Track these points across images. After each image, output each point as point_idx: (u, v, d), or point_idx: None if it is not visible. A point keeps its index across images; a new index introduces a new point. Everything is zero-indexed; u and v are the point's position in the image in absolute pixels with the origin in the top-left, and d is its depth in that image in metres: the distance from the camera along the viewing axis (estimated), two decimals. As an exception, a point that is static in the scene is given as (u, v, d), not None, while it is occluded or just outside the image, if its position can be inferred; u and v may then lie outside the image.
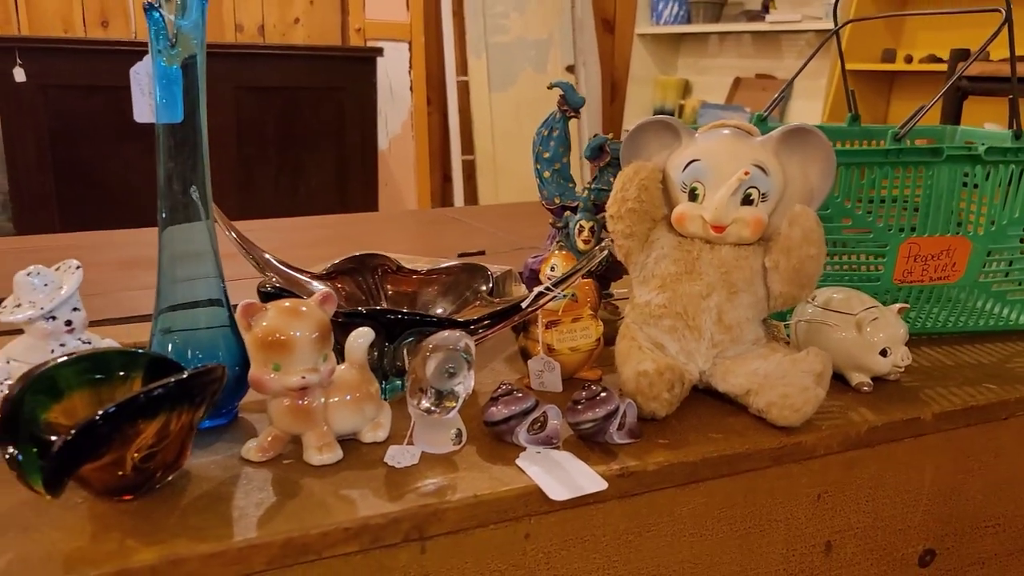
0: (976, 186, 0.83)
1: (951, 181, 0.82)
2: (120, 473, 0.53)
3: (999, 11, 0.79)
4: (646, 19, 4.11)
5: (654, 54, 4.16)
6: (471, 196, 3.92)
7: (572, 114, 0.88)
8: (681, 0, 3.97)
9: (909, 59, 2.96)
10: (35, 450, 0.50)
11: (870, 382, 0.75)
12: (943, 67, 2.60)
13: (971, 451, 0.76)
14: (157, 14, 0.59)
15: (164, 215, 0.63)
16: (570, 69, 4.00)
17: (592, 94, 4.10)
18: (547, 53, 3.95)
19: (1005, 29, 0.79)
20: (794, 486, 0.69)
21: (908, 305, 0.77)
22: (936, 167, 0.81)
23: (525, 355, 0.76)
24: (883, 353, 0.74)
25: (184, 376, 0.53)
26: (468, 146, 3.89)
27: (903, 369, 0.76)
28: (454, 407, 0.61)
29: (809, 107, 3.35)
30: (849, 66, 3.03)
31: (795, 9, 3.53)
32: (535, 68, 3.90)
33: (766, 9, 3.63)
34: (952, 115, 2.10)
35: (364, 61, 3.35)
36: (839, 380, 0.76)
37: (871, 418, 0.70)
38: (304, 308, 0.59)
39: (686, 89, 4.11)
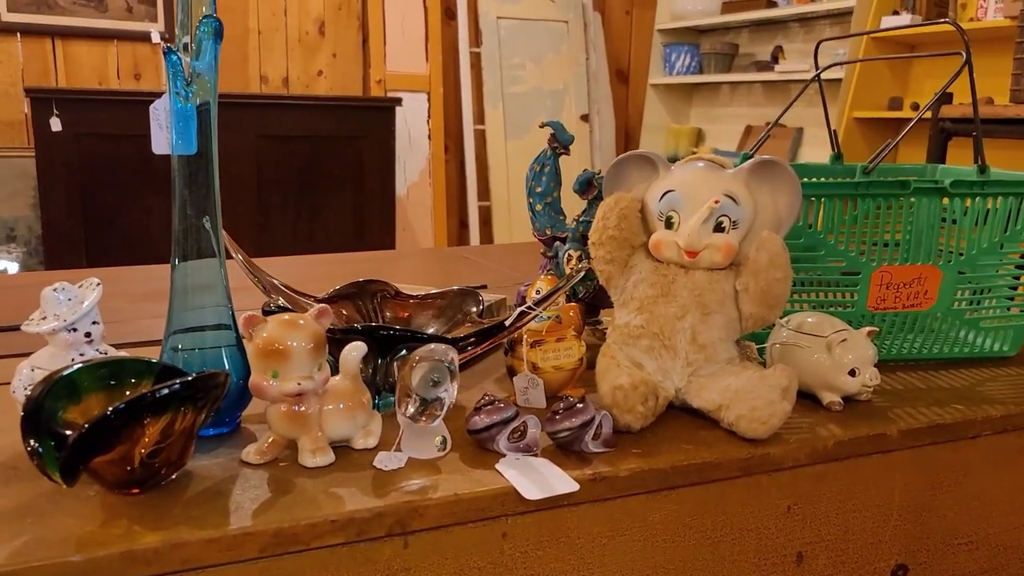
0: (944, 219, 0.88)
1: (919, 213, 0.86)
2: (129, 468, 0.58)
3: (960, 54, 0.84)
4: (659, 70, 4.21)
5: (667, 103, 4.25)
6: (487, 241, 4.00)
7: (562, 151, 0.93)
8: (693, 52, 4.07)
9: (915, 106, 3.02)
10: (53, 444, 0.56)
11: (840, 401, 0.79)
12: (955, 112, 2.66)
13: (940, 469, 0.79)
14: (175, 56, 0.66)
15: (178, 242, 0.69)
16: (584, 118, 4.09)
17: (606, 142, 4.19)
18: (562, 103, 4.05)
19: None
20: (764, 497, 0.72)
21: (877, 329, 0.81)
22: (905, 199, 0.86)
23: (512, 373, 0.80)
24: (852, 373, 0.78)
25: (188, 379, 0.58)
26: (484, 192, 3.98)
27: (872, 389, 0.80)
28: (439, 415, 0.66)
29: (819, 154, 3.41)
30: (858, 113, 3.10)
31: (803, 59, 3.61)
32: (550, 117, 3.99)
33: (775, 60, 3.72)
34: (937, 155, 2.16)
35: (383, 111, 3.46)
36: (811, 400, 0.80)
37: (838, 433, 0.74)
38: (301, 321, 0.64)
39: (699, 137, 4.19)
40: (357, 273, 0.90)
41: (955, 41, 2.79)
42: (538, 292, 0.80)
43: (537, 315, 0.75)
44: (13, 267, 3.28)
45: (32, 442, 0.55)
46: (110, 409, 0.54)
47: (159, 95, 0.69)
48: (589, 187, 0.91)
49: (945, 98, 2.24)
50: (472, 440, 0.69)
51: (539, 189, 0.94)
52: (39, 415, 0.56)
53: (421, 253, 2.11)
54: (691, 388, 0.76)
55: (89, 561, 0.52)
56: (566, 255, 0.90)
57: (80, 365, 0.60)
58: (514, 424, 0.67)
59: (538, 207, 0.94)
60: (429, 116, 3.96)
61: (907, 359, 0.93)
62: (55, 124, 2.87)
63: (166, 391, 0.57)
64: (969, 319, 0.92)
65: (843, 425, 0.75)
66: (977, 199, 0.88)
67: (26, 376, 0.65)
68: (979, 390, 0.86)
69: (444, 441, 0.67)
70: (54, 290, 0.66)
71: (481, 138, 3.96)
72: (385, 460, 0.65)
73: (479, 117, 3.95)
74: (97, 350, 0.67)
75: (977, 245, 0.89)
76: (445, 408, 0.66)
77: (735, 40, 4.07)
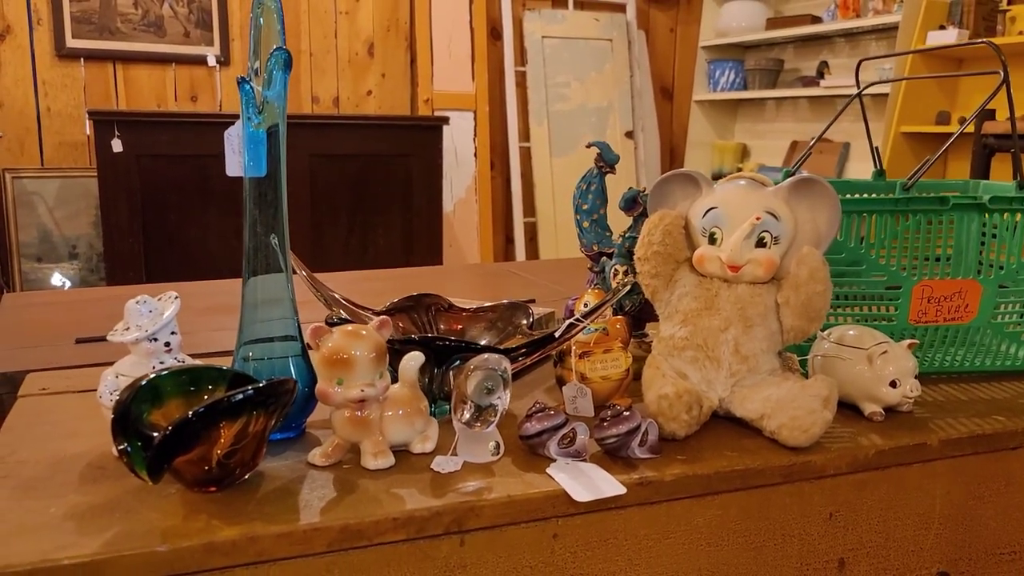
0: (984, 234, 0.89)
1: (959, 228, 0.88)
2: (207, 468, 0.62)
3: (997, 73, 0.86)
4: (703, 86, 4.23)
5: (712, 119, 4.26)
6: (532, 256, 4.04)
7: (608, 170, 0.97)
8: (738, 68, 4.08)
9: (964, 121, 3.00)
10: (140, 444, 0.61)
11: (882, 412, 0.81)
12: (998, 128, 2.64)
13: (981, 479, 0.81)
14: (248, 86, 0.71)
15: (249, 259, 0.74)
16: (629, 135, 4.12)
17: (651, 159, 4.21)
18: (607, 119, 4.09)
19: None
20: (806, 503, 0.75)
21: (917, 341, 0.83)
22: (944, 215, 0.88)
23: (561, 383, 0.84)
24: (893, 384, 0.80)
25: (261, 385, 0.63)
26: (530, 209, 4.02)
27: (913, 400, 0.82)
28: (493, 421, 0.70)
29: (866, 169, 3.38)
30: (905, 128, 3.08)
31: (849, 74, 3.60)
32: (595, 134, 4.03)
33: (821, 75, 3.72)
34: (981, 171, 2.15)
35: (430, 129, 3.53)
36: (853, 410, 0.82)
37: (879, 442, 0.76)
38: (364, 332, 0.68)
39: (744, 153, 4.19)
40: (408, 288, 0.94)
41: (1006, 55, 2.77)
42: (586, 305, 0.83)
43: (585, 327, 0.79)
44: (74, 283, 3.40)
45: (121, 442, 0.60)
46: (191, 412, 0.59)
47: (215, 117, 0.74)
48: (634, 204, 0.95)
49: (988, 114, 2.23)
50: (524, 445, 0.72)
51: (586, 207, 0.98)
52: (127, 417, 0.61)
53: (470, 268, 2.16)
54: (734, 398, 0.79)
55: (173, 552, 0.56)
56: (612, 270, 0.94)
57: (163, 372, 0.65)
58: (564, 431, 0.71)
59: (585, 224, 0.98)
60: (475, 134, 4.02)
61: (948, 372, 0.95)
62: (116, 145, 2.98)
63: (241, 396, 0.61)
64: (1011, 332, 0.93)
65: (884, 435, 0.78)
66: (1017, 214, 0.89)
67: (111, 382, 0.70)
68: (1021, 402, 0.87)
69: (497, 446, 0.71)
70: (136, 303, 0.71)
71: (527, 155, 4.01)
72: (442, 463, 0.69)
73: (524, 135, 4.01)
74: (175, 359, 0.72)
75: (1017, 259, 0.90)
76: (499, 414, 0.70)
77: (780, 56, 4.07)
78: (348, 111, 3.84)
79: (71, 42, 3.38)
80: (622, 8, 4.18)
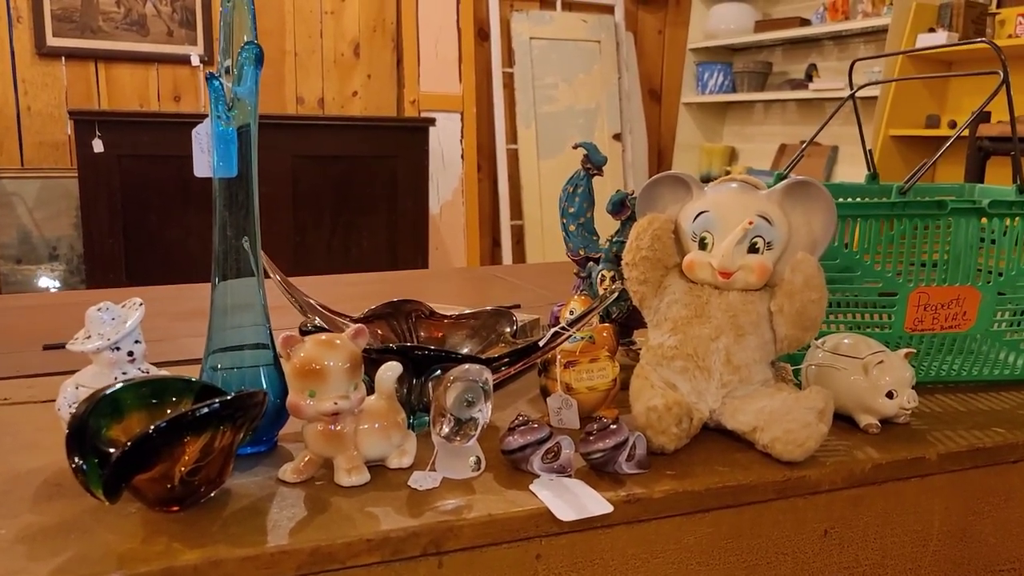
0: (983, 239, 0.87)
1: (957, 233, 0.85)
2: (169, 486, 0.59)
3: (997, 73, 0.83)
4: (692, 89, 4.21)
5: (700, 122, 4.24)
6: (519, 259, 4.01)
7: (595, 172, 0.94)
8: (726, 70, 4.06)
9: (953, 124, 2.99)
10: (96, 461, 0.57)
11: (878, 424, 0.78)
12: (993, 131, 2.63)
13: (980, 493, 0.78)
14: (217, 82, 0.67)
15: (218, 262, 0.70)
16: (617, 137, 4.10)
17: (639, 161, 4.19)
18: (594, 122, 4.06)
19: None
20: (800, 520, 0.72)
21: (914, 350, 0.80)
22: (942, 219, 0.85)
23: (545, 393, 0.80)
24: (889, 395, 0.77)
25: (228, 398, 0.59)
26: (517, 211, 3.99)
27: (910, 411, 0.79)
28: (474, 435, 0.66)
29: (854, 172, 3.38)
30: (894, 131, 3.07)
31: (837, 77, 3.59)
32: (583, 136, 4.01)
33: (809, 78, 3.70)
34: (975, 174, 2.13)
35: (417, 131, 3.49)
36: (848, 422, 0.80)
37: (876, 456, 0.73)
38: (338, 341, 0.65)
39: (732, 156, 4.17)
40: (391, 293, 0.91)
41: (993, 58, 2.76)
42: (572, 313, 0.80)
43: (571, 335, 0.76)
44: (55, 285, 3.35)
45: (76, 459, 0.56)
46: (151, 427, 0.55)
47: (198, 117, 0.70)
48: (622, 208, 0.92)
49: (983, 117, 2.22)
50: (506, 460, 0.69)
51: (572, 210, 0.94)
52: (83, 433, 0.58)
53: (455, 272, 2.12)
54: (725, 410, 0.76)
55: (130, 577, 0.53)
56: (599, 276, 0.91)
57: (123, 384, 0.62)
58: (548, 445, 0.67)
59: (571, 228, 0.95)
60: (462, 136, 3.99)
61: (946, 381, 0.92)
62: (97, 145, 2.93)
63: (205, 410, 0.58)
64: (1009, 340, 0.91)
65: (881, 448, 0.75)
66: (1016, 219, 0.86)
67: (70, 394, 0.66)
68: (1020, 413, 0.84)
69: (478, 461, 0.68)
70: (98, 310, 0.67)
71: (514, 157, 3.98)
72: (420, 480, 0.66)
73: (512, 137, 3.98)
74: (139, 369, 0.68)
75: (1016, 265, 0.87)
76: (479, 428, 0.66)
77: (768, 59, 4.06)
78: (333, 112, 3.80)
79: (52, 40, 3.32)
80: (610, 10, 4.16)
